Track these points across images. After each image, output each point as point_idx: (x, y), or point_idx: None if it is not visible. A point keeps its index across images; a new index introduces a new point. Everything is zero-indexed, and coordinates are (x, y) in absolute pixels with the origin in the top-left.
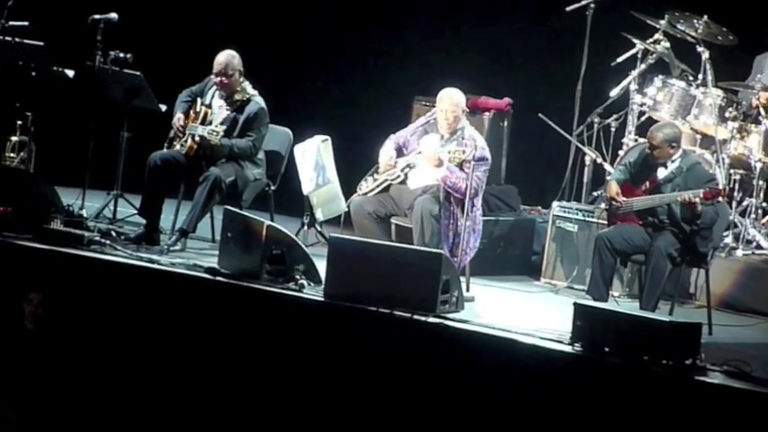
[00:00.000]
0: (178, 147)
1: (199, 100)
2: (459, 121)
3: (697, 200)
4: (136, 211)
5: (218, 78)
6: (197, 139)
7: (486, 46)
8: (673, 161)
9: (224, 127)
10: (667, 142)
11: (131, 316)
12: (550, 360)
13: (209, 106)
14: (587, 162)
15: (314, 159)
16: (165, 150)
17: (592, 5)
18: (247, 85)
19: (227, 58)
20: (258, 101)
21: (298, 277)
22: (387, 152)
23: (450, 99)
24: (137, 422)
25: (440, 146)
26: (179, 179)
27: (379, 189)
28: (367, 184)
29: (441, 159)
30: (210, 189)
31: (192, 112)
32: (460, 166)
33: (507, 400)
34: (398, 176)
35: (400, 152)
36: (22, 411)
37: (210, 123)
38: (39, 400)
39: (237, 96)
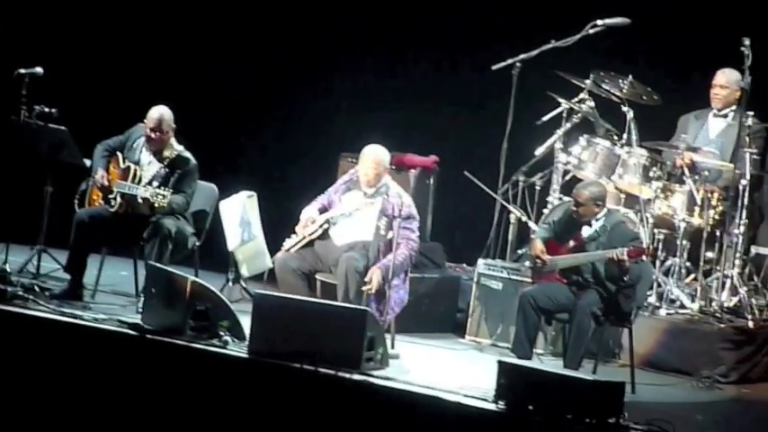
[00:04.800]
0: (102, 203)
1: (120, 155)
2: (381, 178)
3: (624, 257)
4: (60, 267)
5: (154, 134)
6: (140, 200)
7: (413, 103)
8: (597, 220)
9: (170, 191)
10: (593, 200)
11: (54, 372)
12: (474, 418)
13: (138, 162)
14: (512, 220)
15: (239, 215)
16: (90, 207)
17: (518, 64)
18: (173, 141)
19: (162, 114)
20: (189, 157)
21: (222, 333)
22: (307, 212)
23: (372, 156)
24: None
25: (361, 202)
26: (106, 236)
27: (302, 245)
28: (290, 241)
29: (374, 284)
30: (160, 244)
31: (113, 167)
32: (390, 241)
33: None
34: (317, 231)
35: (325, 212)
36: None
37: (140, 180)
38: None
39: (167, 152)
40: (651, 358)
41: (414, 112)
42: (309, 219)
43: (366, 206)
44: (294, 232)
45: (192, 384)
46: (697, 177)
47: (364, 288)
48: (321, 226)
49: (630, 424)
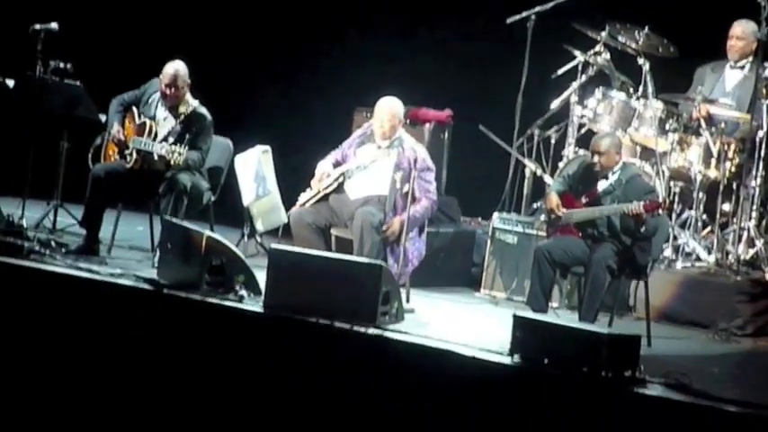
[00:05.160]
0: (117, 158)
1: (135, 110)
2: (396, 130)
3: (641, 210)
4: (76, 222)
5: (169, 90)
6: (156, 157)
7: (428, 56)
8: (613, 173)
9: (186, 148)
10: (614, 147)
11: (70, 327)
12: (489, 372)
13: (154, 117)
14: (527, 174)
15: (254, 170)
16: (106, 163)
17: (533, 17)
18: (189, 96)
19: (177, 69)
20: (204, 112)
21: (237, 288)
22: (322, 166)
23: (387, 109)
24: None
25: (377, 155)
26: (122, 191)
27: (317, 199)
28: (306, 195)
29: (395, 230)
30: (176, 199)
31: (128, 122)
32: (406, 194)
33: (446, 411)
34: (332, 185)
35: (340, 166)
36: None
37: (156, 136)
38: None
39: (182, 108)
40: (667, 311)
41: (428, 65)
42: (324, 173)
43: (381, 159)
44: (309, 186)
45: (208, 339)
46: (713, 129)
47: (383, 236)
48: (336, 180)
49: (647, 377)
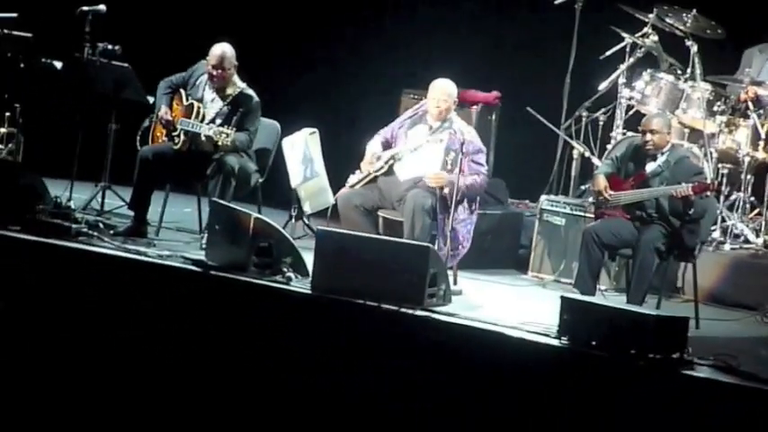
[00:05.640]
0: (165, 140)
1: (183, 92)
2: (450, 111)
3: (689, 192)
4: (124, 204)
5: (216, 71)
6: (203, 138)
7: (475, 39)
8: (662, 154)
9: (233, 129)
10: (665, 127)
11: (119, 308)
12: (537, 353)
13: (201, 99)
14: (575, 156)
15: (302, 152)
16: (154, 144)
17: None
18: (236, 78)
19: (224, 51)
20: (252, 94)
21: (285, 270)
22: (372, 147)
23: (444, 88)
24: (121, 414)
25: (428, 136)
26: (169, 173)
27: (366, 181)
28: (355, 177)
29: (443, 178)
30: (224, 181)
31: (176, 104)
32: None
33: (494, 393)
34: (382, 168)
35: (388, 146)
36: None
37: (203, 118)
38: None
39: (229, 90)
40: (715, 293)
41: (476, 48)
42: (374, 155)
43: (433, 141)
44: (358, 168)
45: (255, 320)
46: (761, 111)
47: (427, 182)
48: (387, 162)
49: (695, 359)
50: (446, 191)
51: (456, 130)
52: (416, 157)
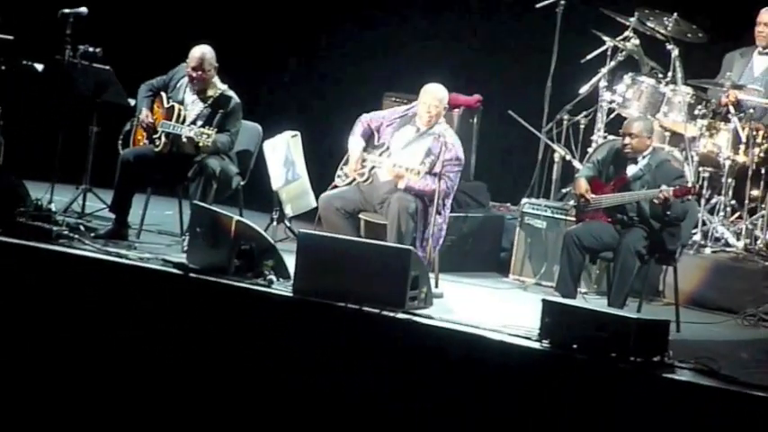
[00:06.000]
0: (146, 143)
1: (164, 95)
2: (440, 117)
3: (670, 196)
4: (105, 207)
5: (196, 73)
6: (184, 139)
7: (457, 42)
8: (643, 157)
9: (215, 130)
10: (646, 131)
11: (100, 311)
12: (519, 356)
13: (182, 102)
14: (556, 159)
15: (283, 155)
16: (135, 147)
17: (562, 2)
18: (217, 80)
19: (203, 53)
20: (233, 96)
21: (266, 272)
22: (355, 144)
23: (435, 94)
24: (102, 416)
25: (413, 139)
26: (151, 176)
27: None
28: (340, 180)
29: (400, 174)
30: (205, 184)
31: (157, 107)
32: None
33: (475, 396)
34: (366, 177)
35: (372, 137)
36: None
37: (184, 120)
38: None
39: (210, 91)
40: (696, 297)
41: (458, 51)
42: (359, 160)
43: (416, 143)
44: (339, 167)
45: (237, 323)
46: (742, 115)
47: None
48: (371, 171)
49: (675, 362)
50: (401, 185)
51: (440, 133)
52: (398, 158)
